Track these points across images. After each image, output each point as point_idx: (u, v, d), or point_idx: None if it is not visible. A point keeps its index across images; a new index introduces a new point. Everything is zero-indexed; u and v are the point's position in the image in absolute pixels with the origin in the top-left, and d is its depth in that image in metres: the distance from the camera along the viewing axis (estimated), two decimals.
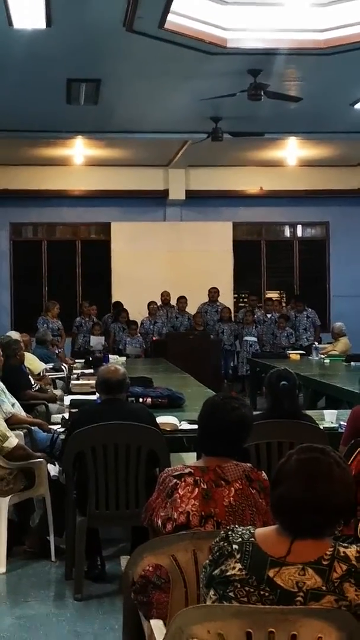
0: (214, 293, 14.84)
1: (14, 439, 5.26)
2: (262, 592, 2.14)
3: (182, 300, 14.69)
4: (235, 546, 2.21)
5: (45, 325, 13.06)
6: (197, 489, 2.99)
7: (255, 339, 14.23)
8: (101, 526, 4.89)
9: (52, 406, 7.76)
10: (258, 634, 2.10)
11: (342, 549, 2.17)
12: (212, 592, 2.22)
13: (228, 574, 2.18)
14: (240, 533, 2.25)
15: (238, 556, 2.19)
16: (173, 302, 14.82)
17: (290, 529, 2.20)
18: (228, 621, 2.11)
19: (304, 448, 2.29)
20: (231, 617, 2.11)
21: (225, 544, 2.23)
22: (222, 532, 2.29)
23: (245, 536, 2.23)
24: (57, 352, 11.95)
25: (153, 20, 7.56)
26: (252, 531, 2.26)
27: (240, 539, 2.22)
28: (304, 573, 2.13)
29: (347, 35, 8.25)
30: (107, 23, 7.70)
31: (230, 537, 2.24)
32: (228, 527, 2.31)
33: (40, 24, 7.62)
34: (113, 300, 15.37)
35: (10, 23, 7.54)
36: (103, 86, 9.75)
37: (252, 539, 2.22)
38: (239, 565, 2.17)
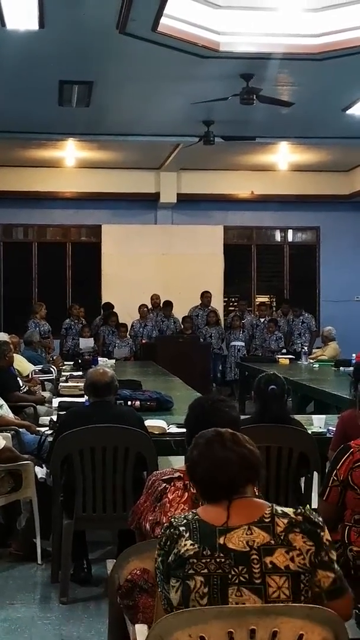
0: (207, 297, 14.73)
1: (1, 441, 5.24)
2: (218, 559, 2.23)
3: (168, 305, 14.62)
4: (182, 528, 2.30)
5: (37, 328, 13.02)
6: (186, 494, 2.97)
7: (242, 343, 14.23)
8: (88, 529, 4.88)
9: (41, 408, 7.75)
10: (240, 632, 2.12)
11: (279, 508, 2.32)
12: (173, 581, 2.27)
13: (182, 552, 2.26)
14: (183, 516, 2.36)
15: (187, 535, 2.28)
16: None
17: (220, 495, 2.33)
18: (209, 623, 2.13)
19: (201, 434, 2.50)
20: (212, 619, 2.13)
21: (172, 529, 2.32)
22: (165, 522, 2.39)
23: (189, 517, 2.34)
24: (52, 357, 11.90)
25: (146, 23, 7.55)
26: (194, 511, 2.37)
27: (185, 520, 2.33)
28: (251, 532, 2.25)
29: (339, 40, 8.26)
30: (100, 25, 7.69)
31: (175, 522, 2.33)
32: (169, 517, 2.42)
33: (33, 25, 7.59)
34: (103, 302, 15.34)
35: (2, 24, 7.52)
36: (95, 88, 9.73)
37: (197, 517, 2.33)
38: (190, 542, 2.27)
